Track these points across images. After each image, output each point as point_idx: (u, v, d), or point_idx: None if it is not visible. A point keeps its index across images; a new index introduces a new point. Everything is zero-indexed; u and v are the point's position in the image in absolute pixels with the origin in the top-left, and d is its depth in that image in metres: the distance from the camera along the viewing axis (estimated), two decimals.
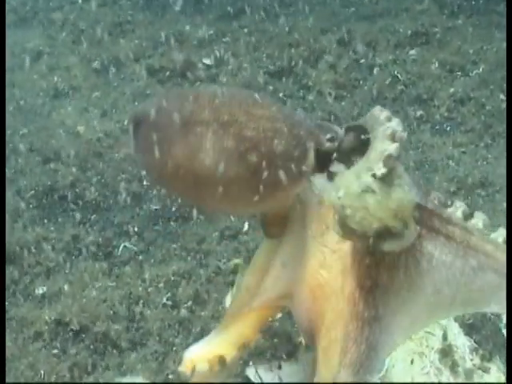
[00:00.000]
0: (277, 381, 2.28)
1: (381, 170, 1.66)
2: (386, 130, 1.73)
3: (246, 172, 1.62)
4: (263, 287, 1.91)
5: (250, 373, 2.43)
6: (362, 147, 1.76)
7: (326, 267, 1.76)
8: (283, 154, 1.69)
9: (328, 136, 1.82)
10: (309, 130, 1.80)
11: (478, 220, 1.85)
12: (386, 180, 1.66)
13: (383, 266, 1.73)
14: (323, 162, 1.79)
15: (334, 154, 1.79)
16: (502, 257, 1.85)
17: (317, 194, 1.77)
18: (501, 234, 1.89)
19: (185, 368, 1.93)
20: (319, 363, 1.74)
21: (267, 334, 2.57)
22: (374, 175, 1.66)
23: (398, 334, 1.78)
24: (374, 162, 1.67)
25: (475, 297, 1.86)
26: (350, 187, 1.65)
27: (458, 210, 1.86)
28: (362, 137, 1.79)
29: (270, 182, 1.66)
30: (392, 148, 1.69)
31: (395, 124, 1.75)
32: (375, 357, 1.73)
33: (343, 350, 1.70)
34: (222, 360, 1.87)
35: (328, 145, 1.80)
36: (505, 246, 1.85)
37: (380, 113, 1.78)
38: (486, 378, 2.64)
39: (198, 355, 1.91)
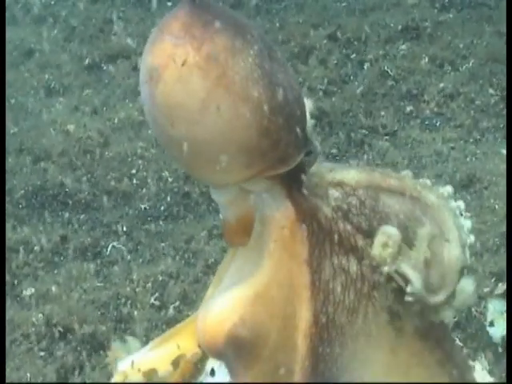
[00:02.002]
0: None
1: None
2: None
3: (265, 102, 1.49)
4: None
5: None
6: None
7: (278, 285, 1.69)
8: (297, 121, 1.57)
9: (306, 149, 1.67)
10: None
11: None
12: None
13: (342, 307, 1.71)
14: (289, 177, 1.68)
15: (302, 175, 1.69)
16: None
17: (274, 209, 1.72)
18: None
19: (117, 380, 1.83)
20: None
21: None
22: None
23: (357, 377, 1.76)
24: None
25: None
26: None
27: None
28: None
29: (276, 136, 1.54)
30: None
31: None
32: None
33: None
34: (152, 373, 1.82)
35: (303, 159, 1.66)
36: None
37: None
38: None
39: (133, 368, 1.81)
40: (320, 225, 1.72)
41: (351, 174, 1.78)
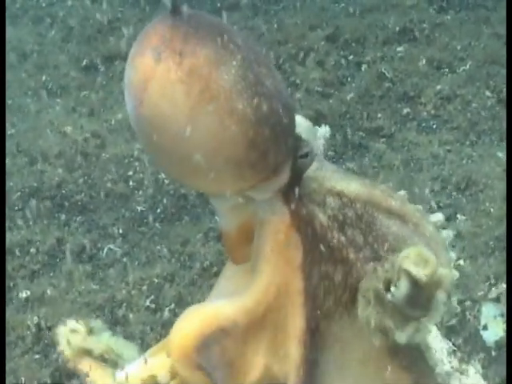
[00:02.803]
0: None
1: None
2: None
3: (250, 114, 1.48)
4: None
5: None
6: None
7: (275, 291, 1.69)
8: (284, 130, 1.55)
9: (301, 152, 1.68)
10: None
11: None
12: None
13: (322, 312, 1.70)
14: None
15: (298, 178, 1.69)
16: None
17: (271, 216, 1.71)
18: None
19: None
20: None
21: None
22: None
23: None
24: None
25: None
26: None
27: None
28: None
29: (263, 146, 1.52)
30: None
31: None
32: None
33: None
34: (152, 380, 1.82)
35: (300, 162, 1.68)
36: None
37: None
38: (464, 381, 2.66)
39: (132, 375, 1.83)
40: (315, 232, 1.72)
41: (352, 187, 1.78)
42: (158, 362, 1.85)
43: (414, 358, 1.84)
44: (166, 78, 1.45)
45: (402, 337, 1.69)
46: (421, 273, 1.61)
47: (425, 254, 1.63)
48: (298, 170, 1.69)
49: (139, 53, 1.49)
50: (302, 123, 1.73)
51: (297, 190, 1.70)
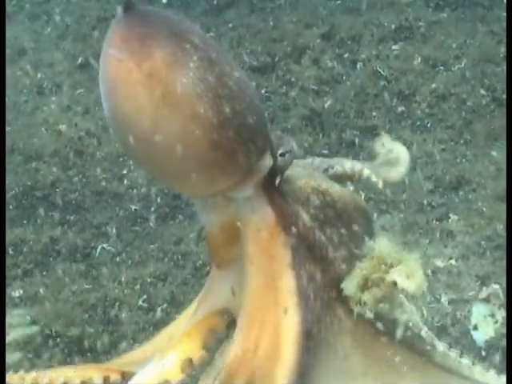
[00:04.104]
0: None
1: None
2: None
3: (212, 117, 1.48)
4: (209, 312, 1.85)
5: None
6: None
7: (264, 290, 1.70)
8: (251, 130, 1.55)
9: (281, 150, 1.67)
10: (269, 131, 1.67)
11: None
12: None
13: (314, 316, 1.70)
14: (267, 181, 1.67)
15: (279, 176, 1.68)
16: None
17: (254, 218, 1.69)
18: None
19: None
20: None
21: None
22: None
23: None
24: None
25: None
26: None
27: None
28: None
29: (229, 148, 1.52)
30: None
31: None
32: None
33: None
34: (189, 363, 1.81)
35: (279, 160, 1.67)
36: None
37: None
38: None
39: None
40: (299, 231, 1.72)
41: (336, 187, 1.80)
42: (169, 364, 1.83)
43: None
44: (128, 80, 1.45)
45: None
46: (410, 286, 1.65)
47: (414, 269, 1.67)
48: (278, 168, 1.68)
49: (104, 52, 1.49)
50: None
51: (280, 188, 1.70)
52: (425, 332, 1.88)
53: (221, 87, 1.49)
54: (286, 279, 1.71)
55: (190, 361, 1.78)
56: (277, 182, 1.69)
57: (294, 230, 1.71)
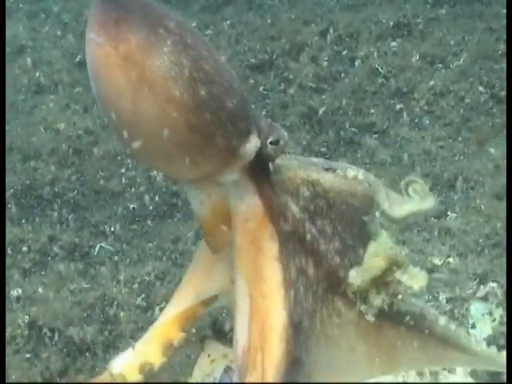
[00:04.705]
0: None
1: None
2: None
3: (188, 100, 1.50)
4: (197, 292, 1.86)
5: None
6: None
7: (252, 282, 1.70)
8: (230, 113, 1.56)
9: (271, 138, 1.67)
10: (258, 118, 1.67)
11: None
12: None
13: (305, 310, 1.70)
14: (256, 170, 1.68)
15: (269, 165, 1.68)
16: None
17: (241, 206, 1.69)
18: None
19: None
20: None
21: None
22: None
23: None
24: None
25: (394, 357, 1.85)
26: None
27: None
28: None
29: (207, 131, 1.54)
30: None
31: None
32: None
33: None
34: (150, 366, 1.84)
35: (269, 148, 1.67)
36: None
37: None
38: (452, 379, 2.67)
39: (126, 367, 1.84)
40: (288, 223, 1.72)
41: (327, 176, 1.79)
42: (151, 347, 1.86)
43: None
44: (107, 64, 1.48)
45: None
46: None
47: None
48: (268, 157, 1.69)
49: (87, 37, 1.52)
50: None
51: (269, 178, 1.70)
52: (425, 309, 1.88)
53: (196, 71, 1.51)
54: (272, 271, 1.70)
55: (169, 343, 1.81)
56: (267, 171, 1.69)
57: (282, 221, 1.71)
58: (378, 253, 1.73)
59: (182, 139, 1.54)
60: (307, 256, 1.73)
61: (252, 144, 1.63)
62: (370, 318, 1.75)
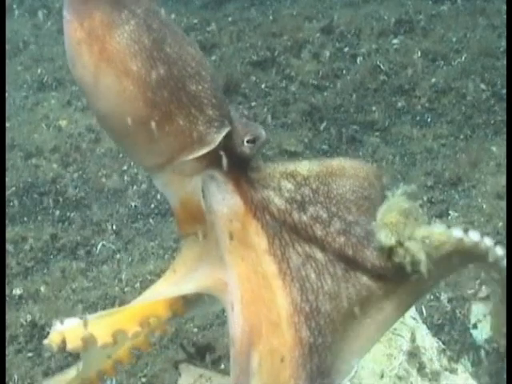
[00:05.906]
0: None
1: None
2: None
3: (145, 76, 1.59)
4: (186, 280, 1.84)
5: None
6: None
7: (247, 277, 1.70)
8: (192, 97, 1.63)
9: (248, 137, 1.69)
10: (235, 115, 1.70)
11: None
12: None
13: (323, 294, 1.71)
14: (234, 168, 1.69)
15: (248, 164, 1.70)
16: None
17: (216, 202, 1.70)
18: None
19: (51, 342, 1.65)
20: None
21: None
22: None
23: (353, 358, 1.77)
24: None
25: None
26: None
27: None
28: None
29: (165, 108, 1.61)
30: None
31: None
32: (330, 381, 1.73)
33: (293, 376, 1.69)
34: (120, 333, 1.67)
35: (246, 147, 1.69)
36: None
37: None
38: (453, 379, 2.68)
39: (72, 330, 1.68)
40: (273, 216, 1.74)
41: (303, 164, 1.81)
42: (126, 315, 1.75)
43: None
44: (75, 38, 1.58)
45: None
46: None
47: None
48: (245, 155, 1.71)
49: (63, 15, 1.63)
50: None
51: (248, 177, 1.72)
52: None
53: (156, 50, 1.61)
54: (265, 265, 1.73)
55: (152, 321, 1.77)
56: (244, 169, 1.72)
57: (267, 215, 1.73)
58: (391, 208, 1.73)
59: (141, 114, 1.61)
60: (308, 243, 1.75)
61: (221, 134, 1.66)
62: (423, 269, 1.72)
